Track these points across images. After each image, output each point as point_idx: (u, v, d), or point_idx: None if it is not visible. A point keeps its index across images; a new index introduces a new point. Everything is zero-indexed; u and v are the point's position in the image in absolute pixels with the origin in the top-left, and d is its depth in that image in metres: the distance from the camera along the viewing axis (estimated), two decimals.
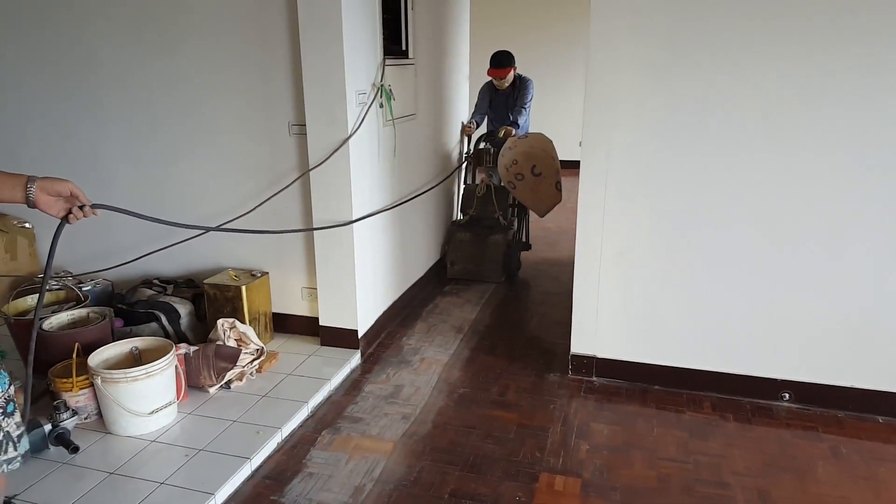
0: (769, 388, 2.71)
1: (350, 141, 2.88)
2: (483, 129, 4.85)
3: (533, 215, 4.70)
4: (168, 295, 3.17)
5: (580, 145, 2.70)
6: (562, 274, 4.43)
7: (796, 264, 2.57)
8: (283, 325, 3.31)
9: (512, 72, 4.55)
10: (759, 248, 2.59)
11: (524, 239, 4.79)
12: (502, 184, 4.30)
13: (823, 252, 2.52)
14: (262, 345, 2.93)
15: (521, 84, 4.61)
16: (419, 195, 3.78)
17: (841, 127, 2.38)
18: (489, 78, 4.62)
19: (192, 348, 2.74)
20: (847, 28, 2.29)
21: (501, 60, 4.48)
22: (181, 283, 3.31)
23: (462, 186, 4.81)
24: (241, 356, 2.81)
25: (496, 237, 4.27)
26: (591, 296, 2.84)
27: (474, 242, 4.28)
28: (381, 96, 3.13)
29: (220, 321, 2.87)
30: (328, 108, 2.85)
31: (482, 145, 4.62)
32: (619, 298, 2.81)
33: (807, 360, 2.65)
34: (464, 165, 4.82)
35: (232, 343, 2.85)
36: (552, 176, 4.10)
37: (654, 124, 2.59)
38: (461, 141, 4.83)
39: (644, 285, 2.77)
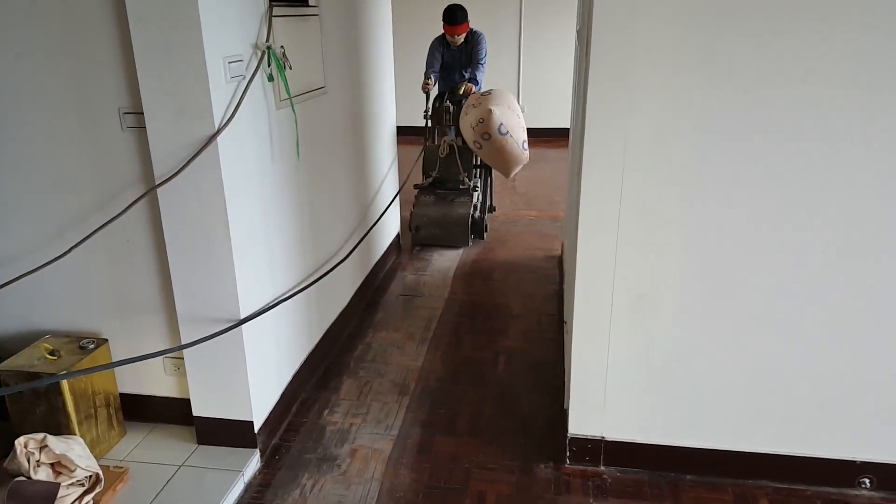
0: (845, 472, 1.96)
1: (220, 138, 1.81)
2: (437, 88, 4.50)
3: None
4: None
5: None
6: (523, 283, 3.56)
7: (880, 311, 1.79)
8: (142, 411, 2.23)
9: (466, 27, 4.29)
10: (833, 287, 1.79)
11: (489, 201, 4.54)
12: (467, 144, 3.95)
13: None
14: (96, 469, 1.85)
15: (473, 39, 4.32)
16: (341, 261, 2.82)
17: None
18: (440, 33, 4.34)
19: None
20: None
21: (457, 16, 4.17)
22: None
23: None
24: (61, 493, 1.75)
25: (462, 199, 4.06)
26: (598, 356, 1.97)
27: (438, 206, 4.05)
28: (268, 64, 2.04)
29: (19, 441, 1.77)
30: (178, 87, 1.75)
31: (438, 104, 4.25)
32: (638, 358, 1.96)
33: (893, 436, 1.91)
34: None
35: (44, 474, 1.77)
36: (518, 135, 3.70)
37: (695, 103, 1.69)
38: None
39: (673, 340, 1.92)
